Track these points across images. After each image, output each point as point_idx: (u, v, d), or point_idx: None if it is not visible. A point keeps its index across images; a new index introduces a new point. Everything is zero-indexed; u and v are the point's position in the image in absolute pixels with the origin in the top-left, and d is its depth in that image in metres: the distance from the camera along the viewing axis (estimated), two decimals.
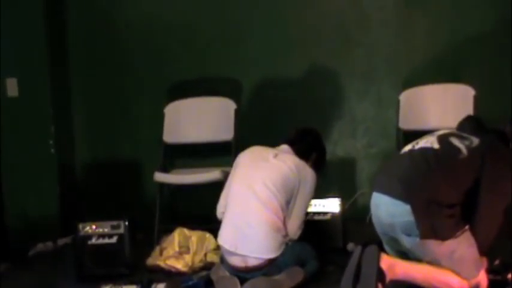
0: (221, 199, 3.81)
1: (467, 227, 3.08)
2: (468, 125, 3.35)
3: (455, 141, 3.20)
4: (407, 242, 3.12)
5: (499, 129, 3.31)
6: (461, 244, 3.06)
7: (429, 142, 3.25)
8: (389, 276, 3.00)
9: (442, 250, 3.05)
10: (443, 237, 3.05)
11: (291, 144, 3.84)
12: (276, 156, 3.71)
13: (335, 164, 4.93)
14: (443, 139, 3.24)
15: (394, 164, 3.38)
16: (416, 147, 3.28)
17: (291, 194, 3.64)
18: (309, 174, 3.71)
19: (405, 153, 3.32)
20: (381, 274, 2.96)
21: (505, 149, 3.24)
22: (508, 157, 3.19)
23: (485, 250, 3.13)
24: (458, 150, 3.16)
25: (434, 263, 3.07)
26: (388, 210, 3.17)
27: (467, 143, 3.19)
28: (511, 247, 3.38)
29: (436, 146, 3.21)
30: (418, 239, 3.06)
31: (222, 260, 3.70)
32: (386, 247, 3.29)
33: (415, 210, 3.04)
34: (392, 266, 3.03)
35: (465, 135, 3.25)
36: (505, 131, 3.29)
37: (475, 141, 3.19)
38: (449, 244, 3.05)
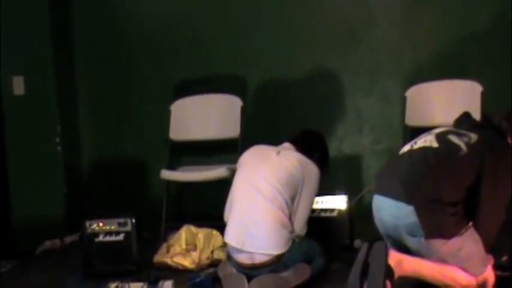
0: (227, 204, 3.79)
1: (470, 223, 3.08)
2: (465, 121, 3.34)
3: (454, 139, 3.18)
4: (412, 243, 3.11)
5: (495, 125, 3.29)
6: (466, 241, 3.06)
7: (428, 141, 3.23)
8: (397, 273, 3.00)
9: (447, 248, 3.05)
10: (448, 235, 3.04)
11: (294, 142, 3.83)
12: (278, 153, 3.71)
13: (341, 161, 4.94)
14: (441, 137, 3.22)
15: (395, 166, 3.35)
16: (415, 147, 3.26)
17: (296, 190, 3.63)
18: (312, 170, 3.70)
19: (404, 153, 3.30)
20: (389, 271, 2.95)
21: (504, 143, 3.23)
22: (507, 152, 3.19)
23: (490, 245, 3.12)
24: (458, 147, 3.14)
25: (441, 262, 3.06)
26: (391, 212, 3.16)
27: (466, 139, 3.17)
28: None
29: (435, 144, 3.19)
30: (423, 239, 3.05)
31: (229, 257, 3.70)
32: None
33: (418, 211, 3.03)
34: (401, 262, 3.02)
35: (463, 131, 3.23)
36: (500, 126, 3.27)
37: (474, 137, 3.18)
38: (455, 242, 3.04)
